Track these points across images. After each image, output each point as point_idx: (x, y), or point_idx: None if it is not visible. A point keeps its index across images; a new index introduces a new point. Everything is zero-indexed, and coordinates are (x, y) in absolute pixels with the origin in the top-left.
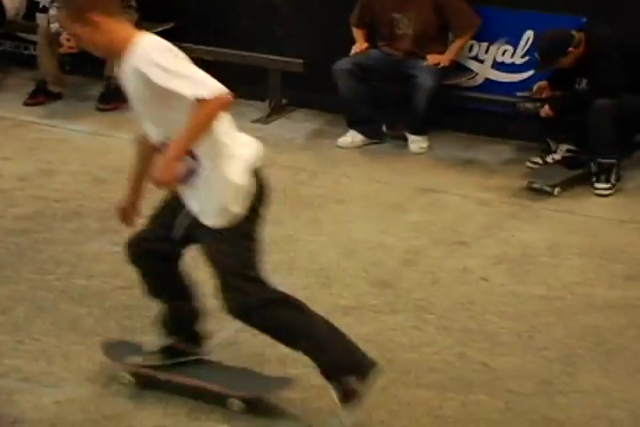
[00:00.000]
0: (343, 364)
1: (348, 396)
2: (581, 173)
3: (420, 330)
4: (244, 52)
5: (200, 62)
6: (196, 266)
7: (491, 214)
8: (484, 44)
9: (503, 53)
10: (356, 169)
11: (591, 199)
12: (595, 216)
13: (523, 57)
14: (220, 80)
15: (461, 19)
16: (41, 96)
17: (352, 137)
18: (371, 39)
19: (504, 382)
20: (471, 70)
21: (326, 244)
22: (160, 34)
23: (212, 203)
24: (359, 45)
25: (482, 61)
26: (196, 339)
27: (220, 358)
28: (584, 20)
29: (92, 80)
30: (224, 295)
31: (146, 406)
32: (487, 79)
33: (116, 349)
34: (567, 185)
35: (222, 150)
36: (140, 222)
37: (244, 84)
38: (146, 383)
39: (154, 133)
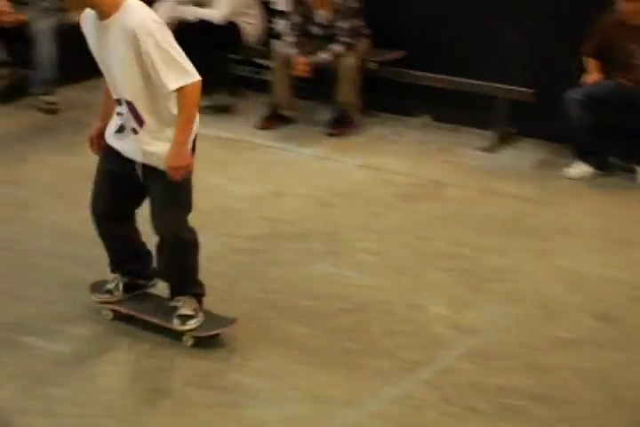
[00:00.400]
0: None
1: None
2: None
3: None
4: (474, 81)
5: (429, 89)
6: None
7: None
8: None
9: None
10: (583, 200)
11: None
12: None
13: None
14: (447, 107)
15: None
16: (274, 120)
17: (580, 168)
18: (602, 69)
19: None
20: None
21: (551, 275)
22: (391, 61)
23: None
24: (592, 76)
25: None
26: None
27: (441, 383)
28: None
29: (323, 105)
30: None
31: None
32: None
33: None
34: None
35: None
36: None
37: (470, 111)
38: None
39: (113, 88)
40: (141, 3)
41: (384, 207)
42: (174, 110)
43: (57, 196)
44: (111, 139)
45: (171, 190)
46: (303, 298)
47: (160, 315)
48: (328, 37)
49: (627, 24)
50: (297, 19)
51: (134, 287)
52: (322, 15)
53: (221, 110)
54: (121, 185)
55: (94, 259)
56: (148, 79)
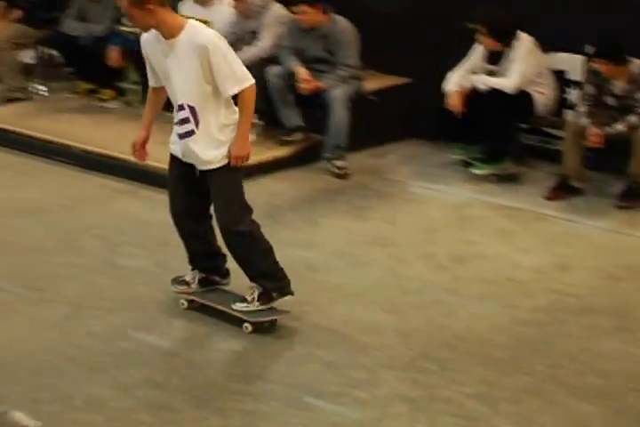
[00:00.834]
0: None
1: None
2: None
3: None
4: None
5: None
6: None
7: None
8: None
9: None
10: None
11: None
12: None
13: None
14: None
15: None
16: (562, 190)
17: None
18: None
19: None
20: None
21: None
22: None
23: None
24: None
25: None
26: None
27: None
28: None
29: (614, 177)
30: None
31: None
32: None
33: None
34: None
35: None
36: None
37: None
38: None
39: (177, 96)
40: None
41: None
42: (228, 115)
43: (344, 259)
44: (172, 146)
45: (222, 188)
46: (589, 374)
47: (225, 304)
48: (623, 108)
49: None
50: (591, 89)
51: (209, 283)
52: (617, 85)
53: (508, 179)
54: (190, 185)
55: (380, 324)
56: (211, 85)
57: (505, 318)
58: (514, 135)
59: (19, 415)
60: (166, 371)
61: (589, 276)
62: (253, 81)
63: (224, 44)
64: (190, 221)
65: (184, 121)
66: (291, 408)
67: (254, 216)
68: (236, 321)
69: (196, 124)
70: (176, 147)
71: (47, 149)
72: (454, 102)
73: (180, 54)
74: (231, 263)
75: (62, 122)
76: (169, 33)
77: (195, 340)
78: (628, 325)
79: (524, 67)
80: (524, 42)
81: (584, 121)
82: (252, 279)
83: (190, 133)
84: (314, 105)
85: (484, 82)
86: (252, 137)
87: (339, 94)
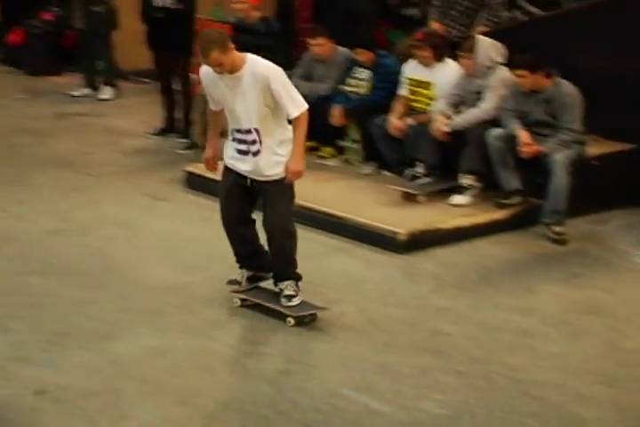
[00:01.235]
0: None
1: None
2: None
3: None
4: None
5: None
6: None
7: None
8: None
9: None
10: None
11: None
12: None
13: None
14: None
15: None
16: None
17: None
18: None
19: None
20: None
21: None
22: None
23: None
24: None
25: None
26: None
27: None
28: None
29: None
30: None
31: None
32: None
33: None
34: None
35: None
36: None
37: None
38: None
39: (243, 122)
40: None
41: None
42: (283, 132)
43: (560, 327)
44: (231, 161)
45: (286, 200)
46: None
47: (273, 302)
48: None
49: None
50: None
51: (256, 279)
52: None
53: None
54: (241, 195)
55: (596, 397)
56: (270, 109)
57: None
58: None
59: None
60: None
61: None
62: (307, 106)
63: (282, 73)
64: (240, 226)
65: (253, 142)
66: None
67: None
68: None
69: (261, 143)
70: (235, 162)
71: None
72: None
73: (244, 85)
74: None
75: None
76: (236, 68)
77: (403, 400)
78: None
79: None
80: None
81: None
82: (284, 276)
83: (258, 152)
84: (534, 169)
85: None
86: (464, 199)
87: (560, 158)
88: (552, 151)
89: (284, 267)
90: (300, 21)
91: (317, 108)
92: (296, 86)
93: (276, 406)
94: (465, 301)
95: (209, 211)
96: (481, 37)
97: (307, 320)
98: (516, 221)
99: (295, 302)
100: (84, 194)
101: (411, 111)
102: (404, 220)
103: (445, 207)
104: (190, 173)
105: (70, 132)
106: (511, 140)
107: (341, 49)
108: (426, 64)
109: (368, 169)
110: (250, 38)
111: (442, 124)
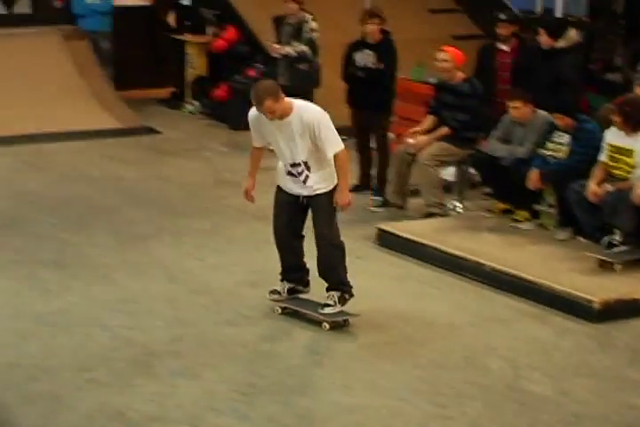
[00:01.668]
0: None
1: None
2: None
3: None
4: None
5: None
6: None
7: None
8: None
9: None
10: None
11: None
12: None
13: None
14: None
15: None
16: None
17: None
18: None
19: None
20: None
21: None
22: None
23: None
24: None
25: None
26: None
27: None
28: None
29: None
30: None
31: None
32: None
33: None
34: None
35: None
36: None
37: None
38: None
39: (294, 156)
40: (301, 102)
41: None
42: (324, 159)
43: None
44: (282, 182)
45: (329, 210)
46: None
47: (310, 309)
48: None
49: None
50: None
51: (295, 292)
52: None
53: None
54: (294, 211)
55: None
56: (315, 145)
57: None
58: None
59: None
60: None
61: None
62: (343, 146)
63: (324, 118)
64: (291, 239)
65: (301, 173)
66: None
67: None
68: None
69: (309, 170)
70: (286, 183)
71: (458, 265)
72: None
73: (292, 128)
74: None
75: (474, 240)
76: (286, 114)
77: None
78: None
79: None
80: None
81: None
82: (331, 286)
83: (307, 178)
84: None
85: None
86: None
87: None
88: None
89: (331, 276)
90: (499, 83)
91: (514, 170)
92: (494, 148)
93: None
94: None
95: (401, 269)
96: None
97: (341, 324)
98: None
99: (328, 310)
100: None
101: (610, 178)
102: (598, 288)
103: None
104: (383, 231)
105: (267, 186)
106: None
107: (540, 112)
108: (624, 131)
109: (563, 234)
110: (452, 98)
111: None
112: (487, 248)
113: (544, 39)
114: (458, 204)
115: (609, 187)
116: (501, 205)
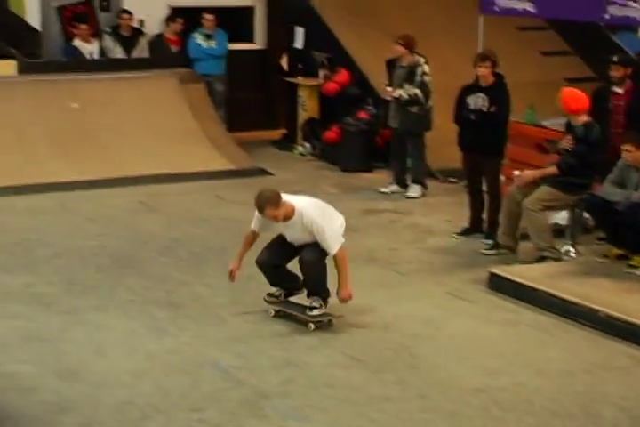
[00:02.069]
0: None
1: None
2: None
3: None
4: None
5: None
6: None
7: None
8: None
9: None
10: None
11: None
12: None
13: None
14: None
15: None
16: None
17: None
18: None
19: None
20: None
21: None
22: None
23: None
24: None
25: None
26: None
27: None
28: None
29: None
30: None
31: None
32: None
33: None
34: None
35: None
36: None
37: None
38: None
39: (297, 243)
40: (302, 202)
41: None
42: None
43: None
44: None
45: (319, 254)
46: None
47: (299, 311)
48: None
49: None
50: None
51: (291, 294)
52: None
53: None
54: (285, 251)
55: None
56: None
57: None
58: None
59: None
60: None
61: None
62: (342, 241)
63: (321, 217)
64: (277, 268)
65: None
66: None
67: None
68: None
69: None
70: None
71: (571, 311)
72: None
73: (296, 227)
74: None
75: (588, 285)
76: (288, 217)
77: None
78: None
79: None
80: None
81: None
82: (311, 293)
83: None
84: None
85: None
86: None
87: None
88: None
89: (315, 288)
90: (614, 126)
91: (630, 215)
92: (608, 193)
93: None
94: None
95: (512, 314)
96: None
97: (325, 324)
98: None
99: (316, 312)
100: (388, 290)
101: None
102: None
103: None
104: (494, 275)
105: (378, 228)
106: None
107: None
108: None
109: None
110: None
111: None
112: (601, 294)
113: None
114: (571, 248)
115: None
116: (616, 251)
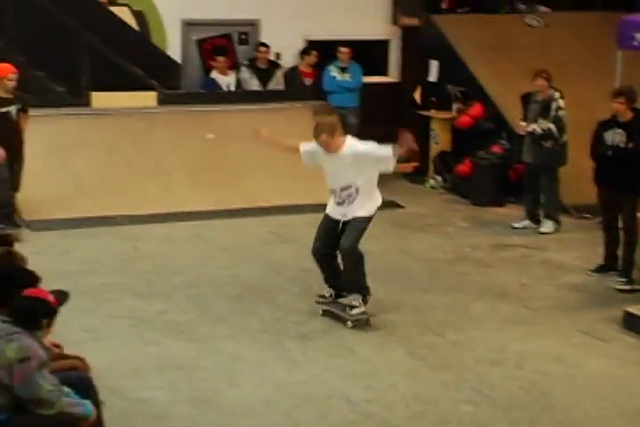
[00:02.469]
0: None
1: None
2: None
3: None
4: None
5: None
6: None
7: None
8: None
9: None
10: None
11: None
12: None
13: None
14: None
15: None
16: None
17: None
18: None
19: None
20: None
21: None
22: None
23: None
24: None
25: None
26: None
27: None
28: None
29: None
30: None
31: None
32: None
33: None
34: None
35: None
36: None
37: None
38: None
39: (345, 182)
40: (353, 139)
41: None
42: (372, 189)
43: None
44: (329, 210)
45: (359, 229)
46: None
47: (341, 310)
48: None
49: None
50: None
51: (338, 296)
52: None
53: None
54: (332, 234)
55: None
56: (365, 171)
57: None
58: None
59: None
60: None
61: None
62: (392, 154)
63: (364, 143)
64: (328, 257)
65: (350, 195)
66: None
67: None
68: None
69: (357, 194)
70: (333, 210)
71: None
72: None
73: (345, 160)
74: None
75: None
76: (338, 150)
77: None
78: None
79: None
80: None
81: None
82: (352, 290)
83: (353, 200)
84: None
85: None
86: None
87: None
88: None
89: (353, 281)
90: None
91: None
92: None
93: None
94: None
95: None
96: None
97: (363, 322)
98: None
99: (355, 311)
100: (520, 326)
101: None
102: None
103: None
104: (629, 314)
105: (509, 264)
106: None
107: None
108: None
109: None
110: None
111: None
112: None
113: None
114: None
115: None
116: None
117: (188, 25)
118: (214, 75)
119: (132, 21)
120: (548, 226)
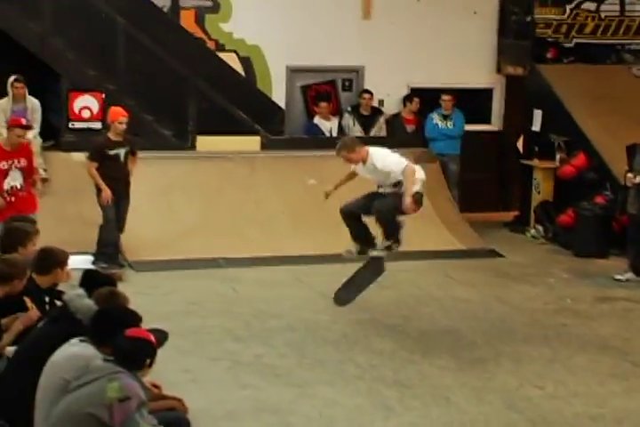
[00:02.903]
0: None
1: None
2: None
3: None
4: None
5: None
6: None
7: None
8: None
9: None
10: None
11: None
12: None
13: None
14: None
15: None
16: None
17: None
18: None
19: None
20: None
21: None
22: None
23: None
24: None
25: None
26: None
27: None
28: None
29: None
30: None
31: None
32: None
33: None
34: None
35: None
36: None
37: None
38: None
39: (375, 183)
40: (372, 147)
41: None
42: (395, 179)
43: None
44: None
45: (393, 202)
46: None
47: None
48: None
49: None
50: None
51: (364, 252)
52: None
53: None
54: (368, 198)
55: None
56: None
57: None
58: None
59: None
60: None
61: None
62: (406, 163)
63: (385, 155)
64: (355, 216)
65: (386, 189)
66: None
67: None
68: None
69: (392, 188)
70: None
71: None
72: None
73: (371, 168)
74: None
75: None
76: (364, 160)
77: None
78: None
79: None
80: None
81: None
82: (384, 235)
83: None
84: None
85: None
86: None
87: None
88: None
89: (386, 229)
90: None
91: None
92: None
93: None
94: None
95: None
96: None
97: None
98: None
99: (374, 253)
100: (621, 381)
101: None
102: None
103: None
104: None
105: (612, 316)
106: None
107: None
108: None
109: None
110: None
111: None
112: None
113: None
114: None
115: None
116: None
117: (294, 71)
118: (317, 120)
119: (238, 67)
120: None
